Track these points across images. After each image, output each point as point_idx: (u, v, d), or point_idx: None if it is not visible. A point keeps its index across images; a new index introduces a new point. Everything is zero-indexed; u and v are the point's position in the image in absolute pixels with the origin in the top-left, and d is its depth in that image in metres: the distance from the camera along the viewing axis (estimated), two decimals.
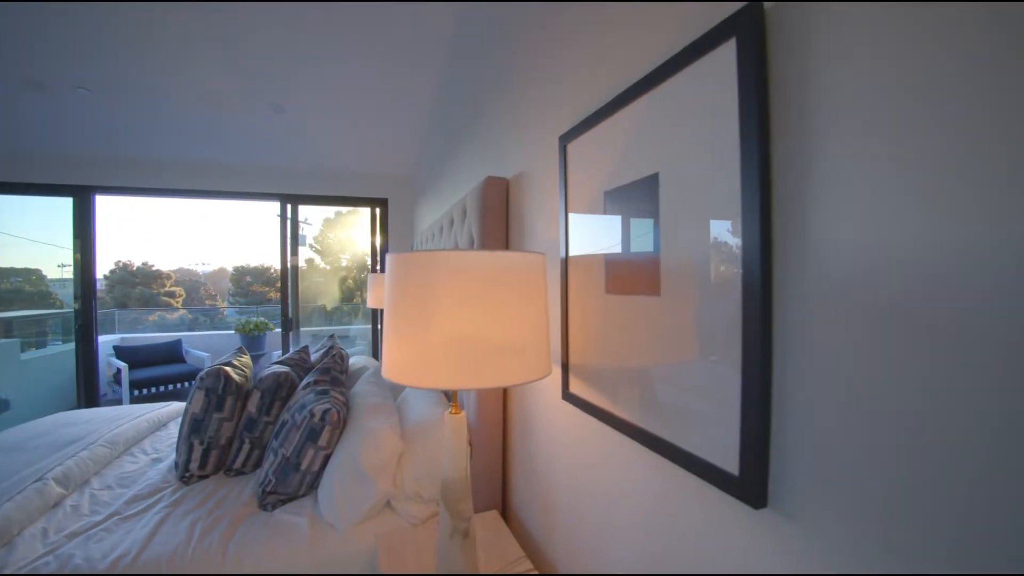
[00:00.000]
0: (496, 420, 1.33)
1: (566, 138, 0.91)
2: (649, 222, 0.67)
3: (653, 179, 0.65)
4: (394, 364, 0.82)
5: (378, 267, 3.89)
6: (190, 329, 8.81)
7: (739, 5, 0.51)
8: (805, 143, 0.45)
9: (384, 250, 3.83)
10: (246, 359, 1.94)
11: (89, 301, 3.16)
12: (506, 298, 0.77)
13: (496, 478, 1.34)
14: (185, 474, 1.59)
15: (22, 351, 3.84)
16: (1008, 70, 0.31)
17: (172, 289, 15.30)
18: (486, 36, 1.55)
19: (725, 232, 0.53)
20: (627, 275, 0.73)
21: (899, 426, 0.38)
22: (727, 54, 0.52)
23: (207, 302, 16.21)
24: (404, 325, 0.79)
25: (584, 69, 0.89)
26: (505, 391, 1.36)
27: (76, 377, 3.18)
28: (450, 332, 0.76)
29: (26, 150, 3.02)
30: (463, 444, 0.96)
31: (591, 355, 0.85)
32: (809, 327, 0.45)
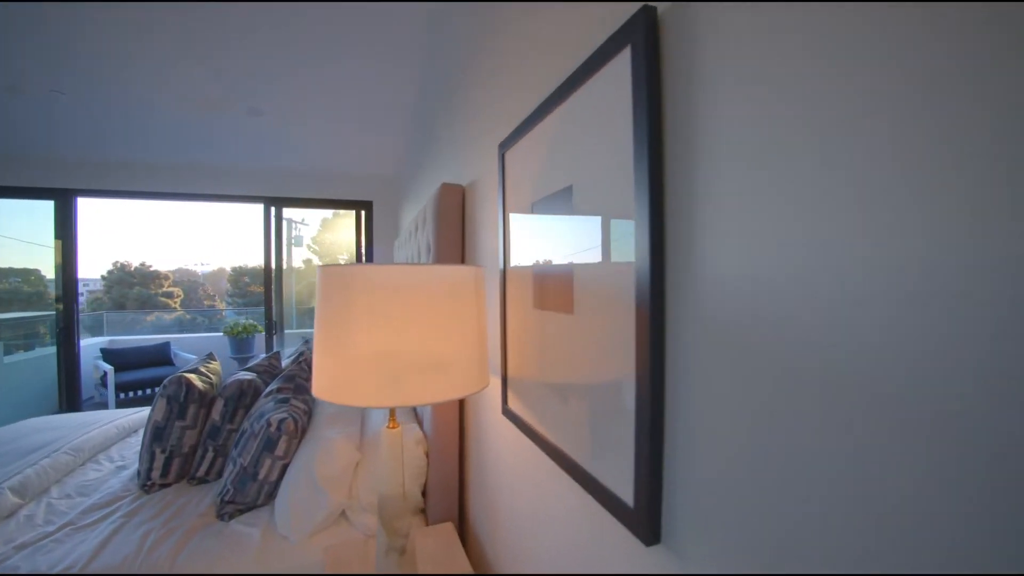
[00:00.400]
0: (452, 431, 1.31)
1: (504, 146, 0.89)
2: (567, 236, 0.65)
3: (568, 192, 0.63)
4: (319, 380, 0.80)
5: None
6: (188, 331, 8.74)
7: (638, 6, 0.49)
8: (693, 161, 0.43)
9: (368, 253, 3.81)
10: (214, 365, 1.92)
11: (71, 304, 3.15)
12: (431, 313, 0.75)
13: (452, 490, 1.32)
14: (147, 483, 1.57)
15: (7, 353, 3.83)
16: (936, 84, 0.29)
17: (170, 289, 15.31)
18: (450, 37, 1.53)
19: (625, 251, 0.51)
20: (549, 291, 0.70)
21: (785, 463, 0.35)
22: (624, 63, 0.50)
23: (206, 303, 16.22)
24: (327, 340, 0.77)
25: (521, 73, 0.86)
26: (461, 402, 1.34)
27: (57, 380, 3.17)
28: (369, 348, 0.73)
29: (5, 153, 3.01)
30: (399, 460, 0.93)
31: (525, 371, 0.82)
32: (696, 352, 0.43)
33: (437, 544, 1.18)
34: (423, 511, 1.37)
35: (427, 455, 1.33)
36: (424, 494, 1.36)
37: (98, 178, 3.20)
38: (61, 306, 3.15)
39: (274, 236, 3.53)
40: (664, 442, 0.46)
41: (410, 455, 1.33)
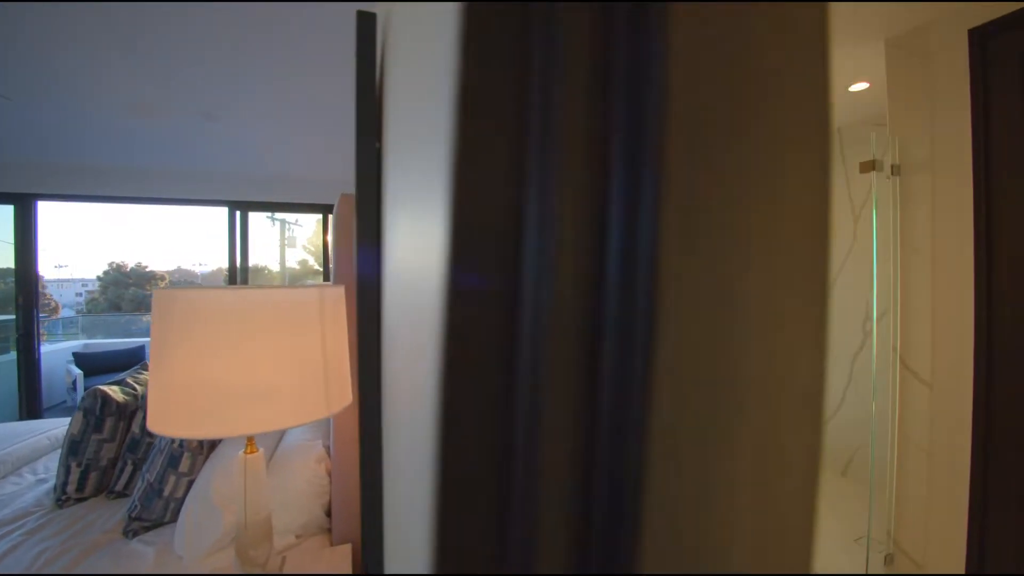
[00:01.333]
0: (354, 447, 1.27)
1: None
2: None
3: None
4: (151, 409, 0.76)
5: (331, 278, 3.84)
6: None
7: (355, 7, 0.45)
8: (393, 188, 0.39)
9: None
10: (145, 376, 1.88)
11: (30, 309, 3.13)
12: (260, 339, 0.71)
13: (355, 508, 1.28)
14: (62, 497, 1.53)
15: None
16: None
17: None
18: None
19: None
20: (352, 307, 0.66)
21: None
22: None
23: None
24: (154, 367, 0.73)
25: None
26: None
27: (18, 387, 3.14)
28: (189, 376, 0.69)
29: None
30: (254, 487, 0.90)
31: None
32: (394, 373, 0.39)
33: (330, 566, 1.14)
34: (328, 531, 1.33)
35: (328, 473, 1.29)
36: (329, 513, 1.32)
37: (59, 182, 3.17)
38: (20, 313, 3.12)
39: (239, 239, 3.50)
40: (383, 472, 0.42)
41: (311, 474, 1.29)
